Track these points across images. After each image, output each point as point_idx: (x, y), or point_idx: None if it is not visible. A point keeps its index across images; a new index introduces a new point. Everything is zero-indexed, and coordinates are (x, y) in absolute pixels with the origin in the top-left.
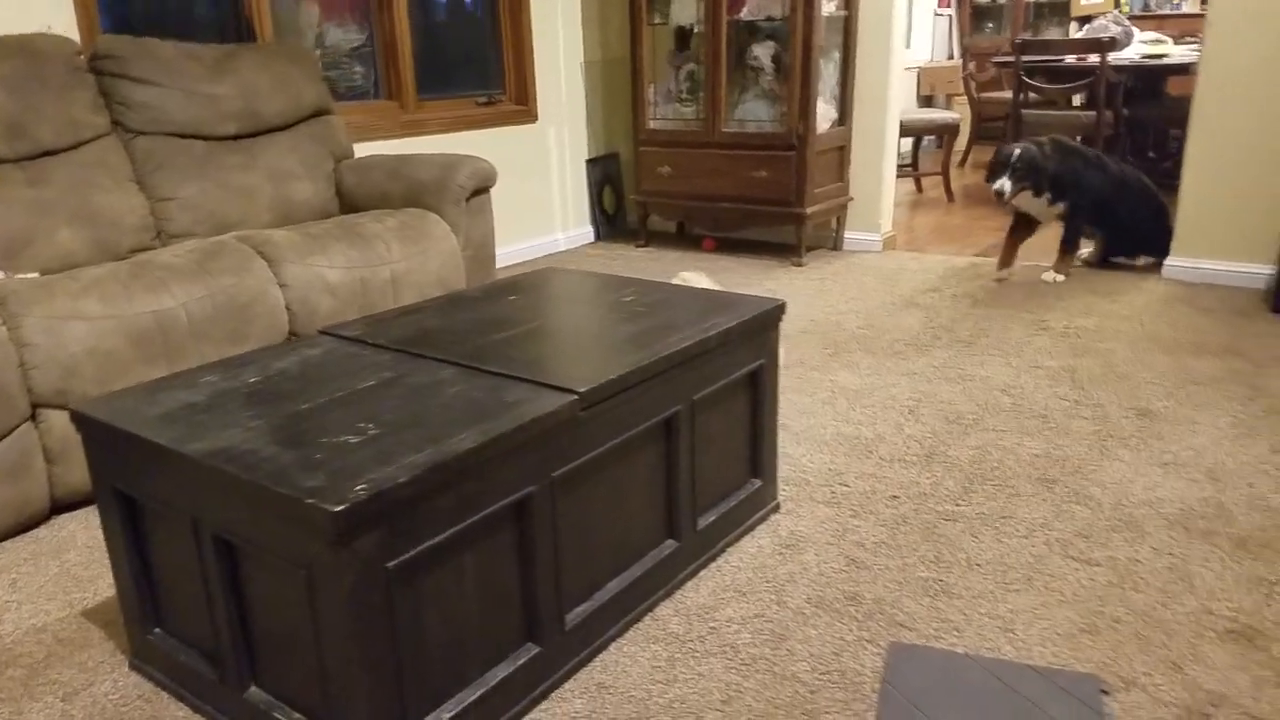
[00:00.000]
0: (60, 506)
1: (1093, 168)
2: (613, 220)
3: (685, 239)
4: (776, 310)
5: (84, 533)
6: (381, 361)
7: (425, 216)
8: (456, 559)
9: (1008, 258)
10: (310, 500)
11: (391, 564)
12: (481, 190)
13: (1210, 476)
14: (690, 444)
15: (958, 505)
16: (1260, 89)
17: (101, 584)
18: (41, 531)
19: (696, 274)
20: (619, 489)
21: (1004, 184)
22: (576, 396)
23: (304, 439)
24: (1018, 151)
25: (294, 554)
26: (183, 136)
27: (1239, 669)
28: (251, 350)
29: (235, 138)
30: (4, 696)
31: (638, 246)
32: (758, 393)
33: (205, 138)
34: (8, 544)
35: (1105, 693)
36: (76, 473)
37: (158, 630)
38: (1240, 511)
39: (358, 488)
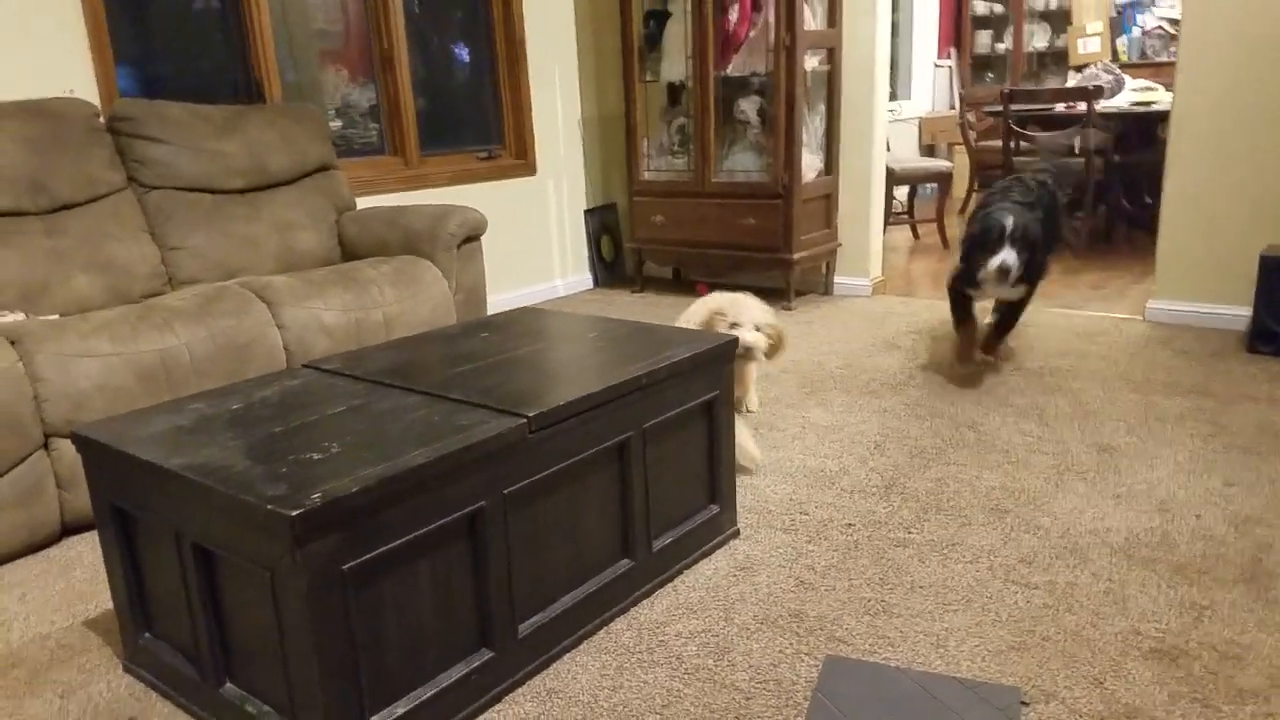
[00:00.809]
0: (70, 529)
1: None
2: (611, 267)
3: (680, 284)
4: (728, 346)
5: (90, 553)
6: (354, 391)
7: (418, 263)
8: (411, 565)
9: (970, 348)
10: (270, 506)
11: (347, 566)
12: (472, 238)
13: (1160, 508)
14: (643, 469)
15: (909, 533)
16: (1231, 133)
17: (103, 598)
18: (52, 551)
19: (744, 296)
20: (573, 509)
21: (1008, 258)
22: (525, 420)
23: (272, 456)
24: (1010, 221)
25: (259, 557)
26: (192, 190)
27: (1158, 685)
28: (238, 382)
29: (242, 191)
30: (7, 694)
31: (633, 292)
32: (713, 423)
33: (213, 191)
34: (20, 562)
35: (1024, 704)
36: (85, 498)
37: (148, 635)
38: (1184, 540)
39: (313, 496)
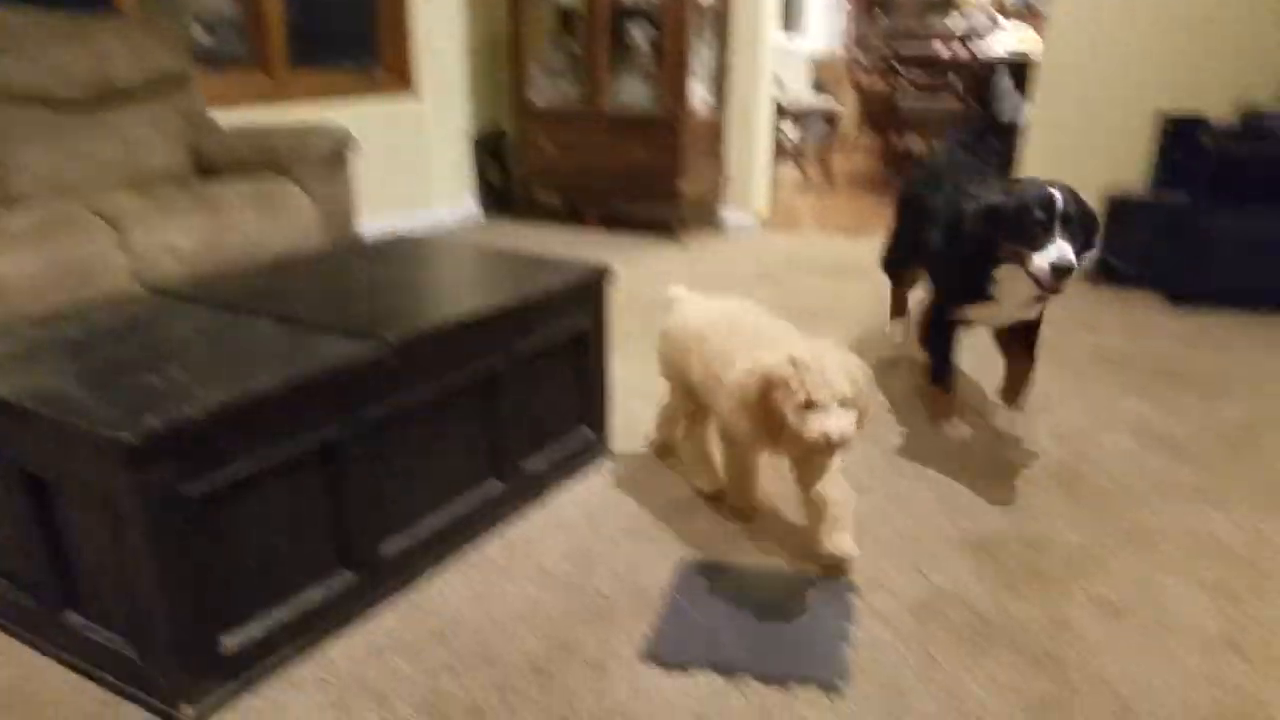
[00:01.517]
0: None
1: None
2: (501, 197)
3: (573, 216)
4: (598, 275)
5: None
6: (202, 316)
7: (280, 183)
8: (261, 490)
9: (953, 404)
10: (107, 432)
11: (189, 492)
12: (339, 158)
13: (994, 424)
14: (512, 394)
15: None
16: (1089, 82)
17: None
18: None
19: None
20: (439, 433)
21: (1064, 252)
22: (385, 345)
23: (109, 382)
24: (1058, 192)
25: (96, 484)
26: (28, 101)
27: (973, 573)
28: (78, 306)
29: (87, 104)
30: None
31: (523, 223)
32: (586, 350)
33: (53, 104)
34: None
35: (855, 593)
36: None
37: None
38: (1011, 451)
39: (152, 420)
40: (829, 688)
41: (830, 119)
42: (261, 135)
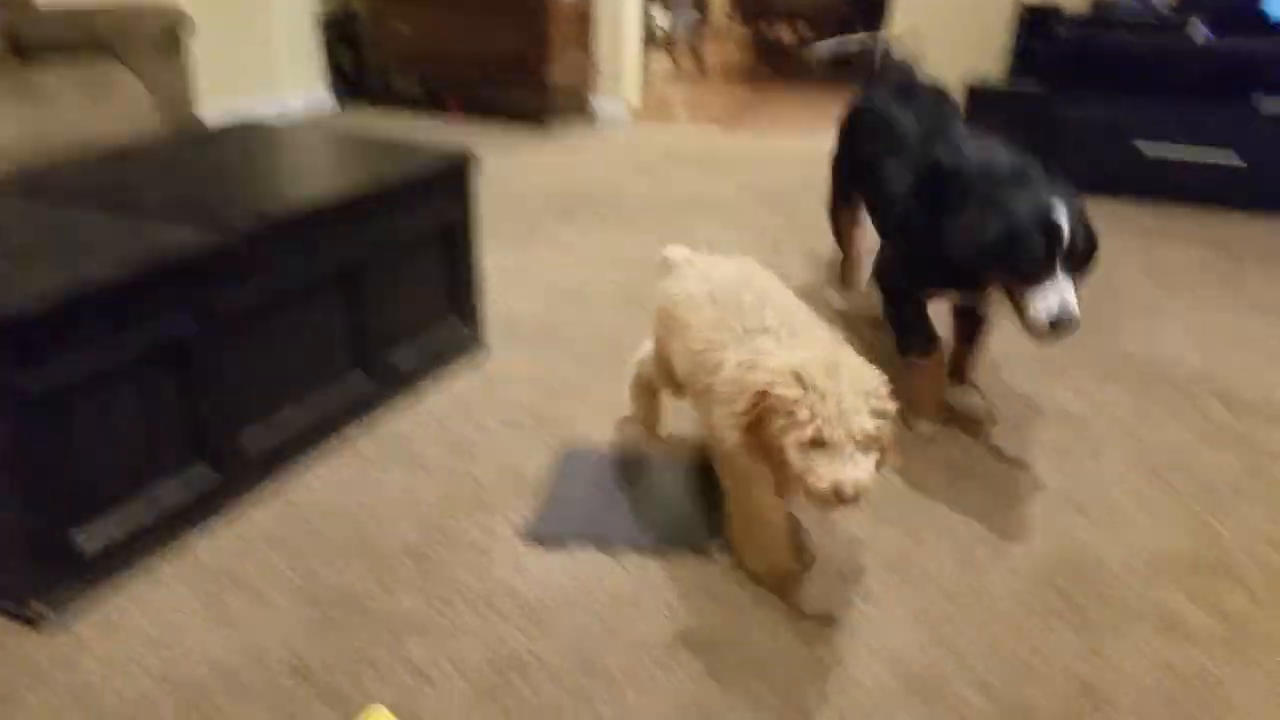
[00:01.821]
0: None
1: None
2: (354, 84)
3: (434, 104)
4: (461, 161)
5: None
6: (25, 209)
7: (109, 68)
8: (108, 384)
9: (940, 386)
10: None
11: (27, 385)
12: (172, 39)
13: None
14: (376, 285)
15: (643, 337)
16: None
17: None
18: None
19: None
20: (297, 325)
21: (1067, 300)
22: (233, 232)
23: None
24: (1063, 210)
25: None
26: None
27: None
28: None
29: None
30: None
31: (380, 112)
32: (453, 240)
33: None
34: None
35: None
36: None
37: None
38: (873, 337)
39: None
40: (700, 551)
41: (700, 5)
42: (85, 15)
